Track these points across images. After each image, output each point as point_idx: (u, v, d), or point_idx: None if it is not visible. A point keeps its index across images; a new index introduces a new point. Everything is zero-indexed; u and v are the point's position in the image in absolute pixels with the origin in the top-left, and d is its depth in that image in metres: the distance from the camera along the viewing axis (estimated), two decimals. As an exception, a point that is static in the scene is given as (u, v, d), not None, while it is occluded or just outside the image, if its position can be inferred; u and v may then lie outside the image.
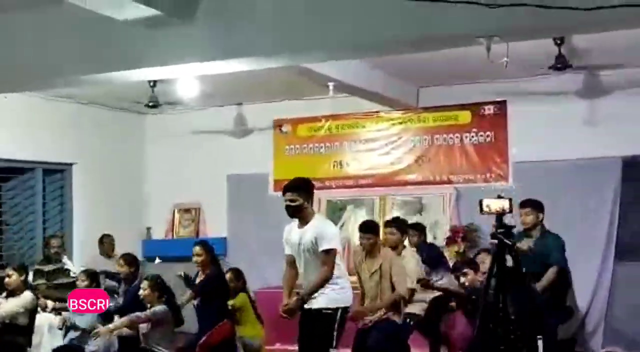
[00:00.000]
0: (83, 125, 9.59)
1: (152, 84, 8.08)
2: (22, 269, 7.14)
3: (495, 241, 4.82)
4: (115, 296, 7.35)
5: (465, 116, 8.94)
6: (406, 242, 7.21)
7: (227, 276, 7.35)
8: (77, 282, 6.96)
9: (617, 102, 8.19)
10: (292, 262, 5.59)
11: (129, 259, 7.30)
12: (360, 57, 6.80)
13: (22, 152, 8.82)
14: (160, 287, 6.39)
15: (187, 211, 10.52)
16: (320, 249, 5.30)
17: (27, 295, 6.93)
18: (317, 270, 5.35)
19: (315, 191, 9.33)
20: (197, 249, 6.93)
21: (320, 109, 9.51)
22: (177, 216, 10.56)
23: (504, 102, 8.69)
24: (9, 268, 7.13)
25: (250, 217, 9.98)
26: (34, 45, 5.57)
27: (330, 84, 7.44)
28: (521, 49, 5.95)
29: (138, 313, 6.27)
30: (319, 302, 5.35)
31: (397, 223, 7.01)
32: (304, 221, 5.44)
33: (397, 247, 6.83)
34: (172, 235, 10.53)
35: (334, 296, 5.35)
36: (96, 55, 5.39)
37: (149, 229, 10.59)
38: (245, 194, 10.01)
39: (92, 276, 7.00)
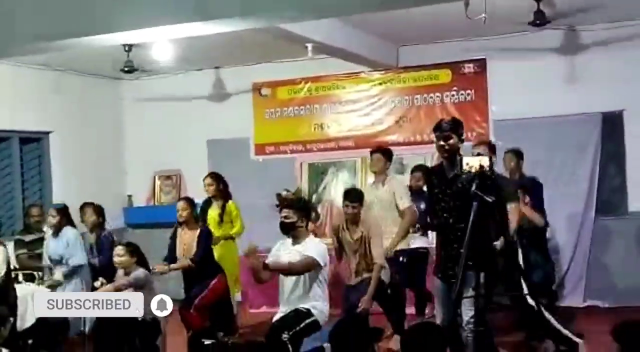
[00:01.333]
0: (59, 92, 9.41)
1: (127, 48, 7.94)
2: None
3: (477, 199, 4.78)
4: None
5: (445, 75, 8.90)
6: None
7: None
8: (48, 218, 6.85)
9: (597, 58, 8.17)
10: None
11: (94, 207, 7.37)
12: (337, 15, 6.68)
13: (-2, 121, 8.68)
14: (138, 253, 6.34)
15: (168, 177, 10.44)
16: (305, 253, 5.29)
17: None
18: (301, 295, 5.31)
19: (296, 154, 9.54)
20: (181, 204, 6.83)
21: (299, 71, 9.42)
22: (157, 182, 10.49)
23: (484, 60, 8.66)
24: None
25: (232, 182, 9.93)
26: (5, 10, 5.44)
27: (309, 45, 7.34)
28: (500, 5, 5.91)
29: (122, 281, 6.22)
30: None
31: (383, 150, 7.06)
32: (296, 240, 5.41)
33: (382, 173, 6.90)
34: (154, 202, 10.47)
35: (314, 304, 5.32)
36: (69, 19, 5.27)
37: (130, 196, 10.51)
38: (226, 159, 9.91)
39: (63, 211, 6.87)
